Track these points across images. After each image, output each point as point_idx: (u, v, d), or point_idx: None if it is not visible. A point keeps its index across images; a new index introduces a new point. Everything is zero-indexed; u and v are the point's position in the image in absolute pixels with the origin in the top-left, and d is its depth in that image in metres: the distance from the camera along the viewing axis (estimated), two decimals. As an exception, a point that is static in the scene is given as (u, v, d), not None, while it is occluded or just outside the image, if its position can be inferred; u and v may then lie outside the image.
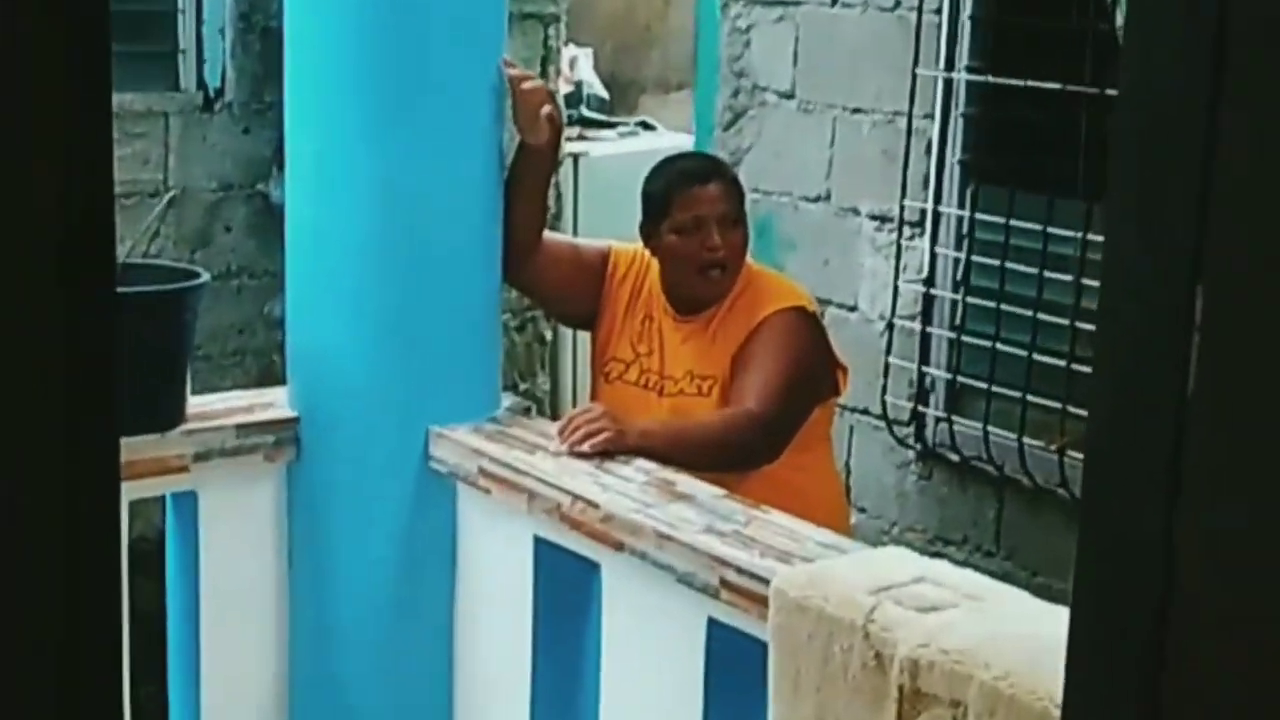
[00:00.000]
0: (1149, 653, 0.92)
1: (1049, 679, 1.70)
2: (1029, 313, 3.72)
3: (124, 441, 0.86)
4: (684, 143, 4.80)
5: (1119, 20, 3.40)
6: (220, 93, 4.35)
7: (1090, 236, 3.55)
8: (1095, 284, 4.03)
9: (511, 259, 2.86)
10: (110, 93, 0.75)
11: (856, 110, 4.18)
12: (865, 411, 4.23)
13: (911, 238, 4.08)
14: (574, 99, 6.00)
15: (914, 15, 3.93)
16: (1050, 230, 3.67)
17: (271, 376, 4.06)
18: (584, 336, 3.33)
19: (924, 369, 4.05)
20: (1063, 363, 3.62)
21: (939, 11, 3.90)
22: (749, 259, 3.06)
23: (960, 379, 3.95)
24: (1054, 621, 1.82)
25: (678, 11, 7.14)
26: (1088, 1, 3.49)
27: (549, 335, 5.06)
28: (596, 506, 2.44)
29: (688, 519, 2.36)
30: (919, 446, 4.11)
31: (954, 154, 3.97)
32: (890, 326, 4.10)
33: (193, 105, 4.33)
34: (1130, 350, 0.94)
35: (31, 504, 0.75)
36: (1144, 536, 0.93)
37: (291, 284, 2.82)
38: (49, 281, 0.74)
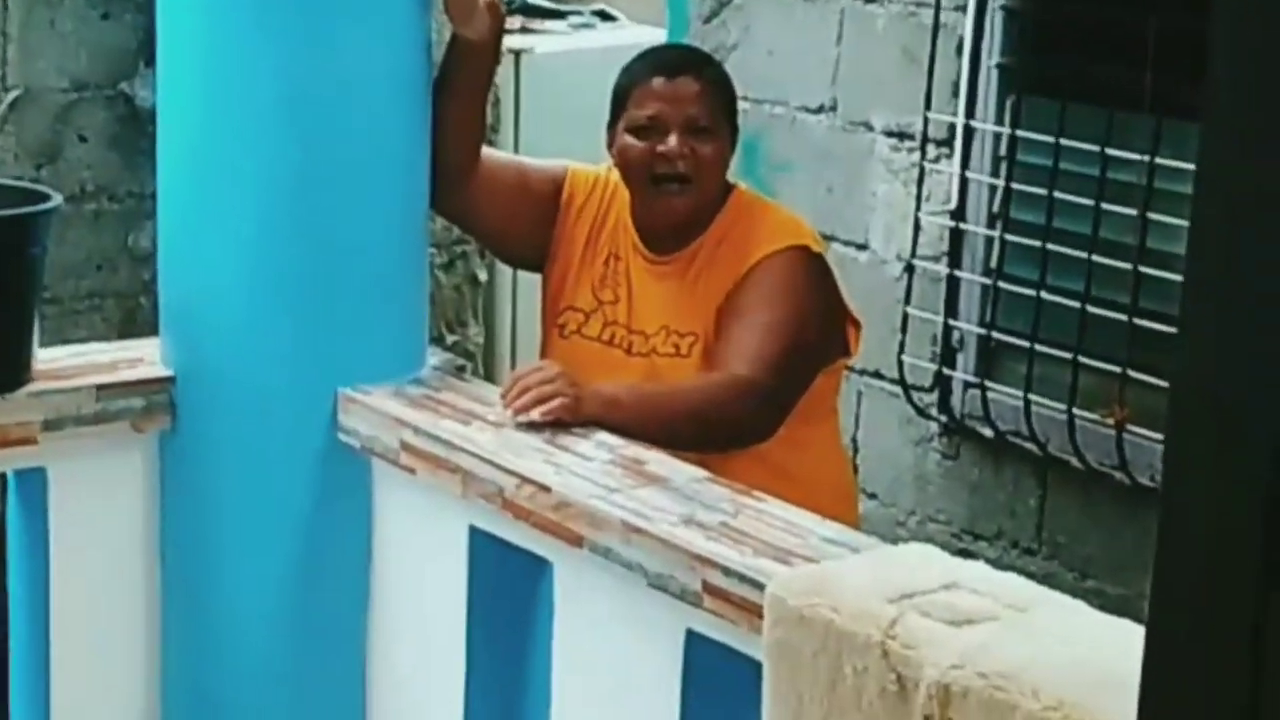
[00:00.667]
0: (1249, 679, 0.93)
1: (1112, 711, 1.71)
2: (1082, 254, 3.73)
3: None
4: (652, 38, 4.79)
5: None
6: (72, -33, 4.30)
7: (1159, 160, 3.56)
8: (1164, 219, 4.07)
9: (441, 182, 2.85)
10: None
11: (870, -1, 4.18)
12: (878, 375, 4.25)
13: (936, 159, 4.08)
14: (515, -19, 5.97)
15: (944, -119, 3.92)
16: (1109, 152, 3.68)
17: (139, 325, 4.03)
18: (529, 278, 3.33)
19: (951, 322, 4.06)
20: (1123, 316, 3.64)
21: (975, -123, 3.90)
22: (742, 185, 3.06)
23: (995, 335, 3.96)
24: (1117, 638, 1.84)
25: None
26: None
27: (483, 276, 5.05)
28: (548, 491, 2.44)
29: (662, 508, 2.36)
30: (944, 418, 4.13)
31: (991, 56, 3.97)
32: (909, 270, 4.10)
33: (37, -18, 4.28)
34: (1226, 302, 0.94)
35: None
36: (1243, 533, 0.94)
37: (164, 209, 2.80)
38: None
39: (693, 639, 2.27)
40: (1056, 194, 3.79)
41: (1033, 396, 3.83)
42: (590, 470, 2.49)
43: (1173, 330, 0.98)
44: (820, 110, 4.33)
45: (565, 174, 3.08)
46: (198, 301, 2.76)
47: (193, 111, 2.72)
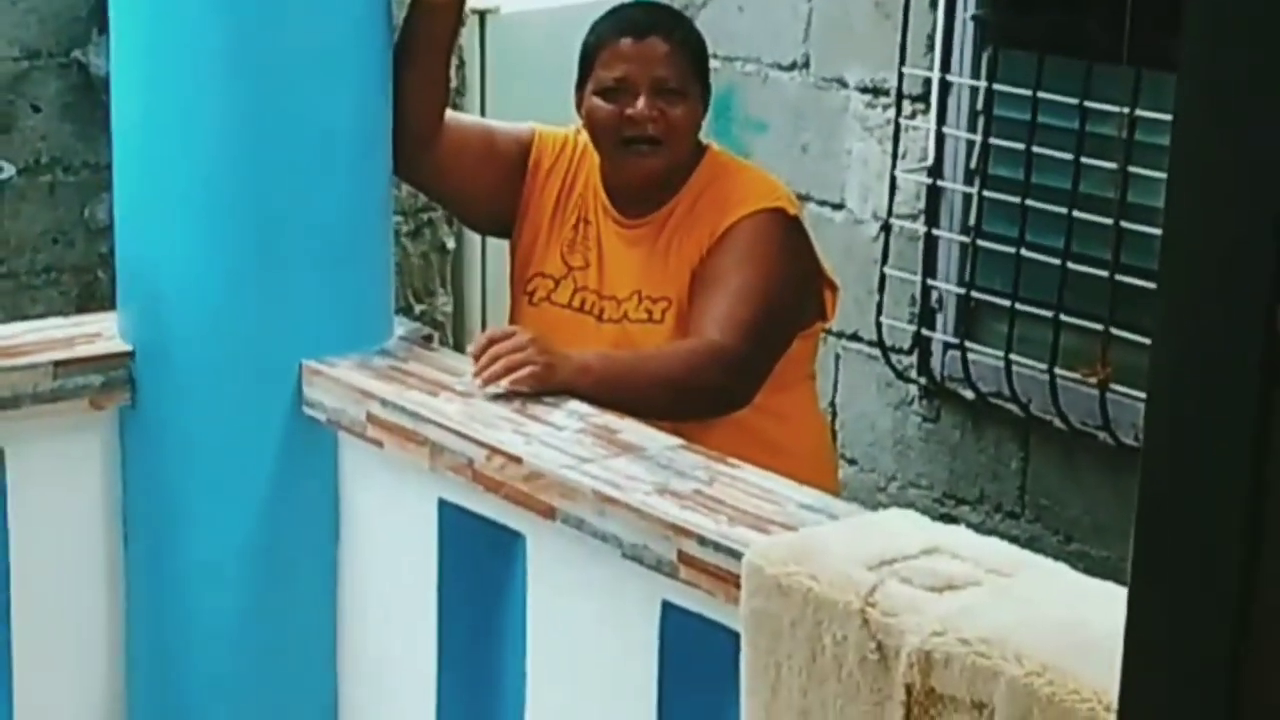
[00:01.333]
0: (1231, 641, 0.93)
1: (1096, 675, 1.72)
2: (1062, 209, 3.74)
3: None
4: (622, -6, 4.77)
5: None
6: (21, -69, 4.27)
7: (1140, 112, 3.57)
8: (1145, 172, 4.09)
9: (404, 147, 2.84)
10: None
11: (842, -48, 4.17)
12: (855, 337, 4.25)
13: (912, 115, 4.08)
14: (479, -63, 5.94)
15: None
16: (1088, 104, 3.68)
17: (97, 300, 4.02)
18: (498, 245, 3.32)
19: (929, 282, 4.07)
20: (1104, 273, 3.65)
21: None
22: (715, 145, 3.05)
23: (975, 295, 3.97)
24: (1102, 602, 1.85)
25: None
26: None
27: (451, 243, 5.04)
28: (519, 462, 2.44)
29: (636, 477, 2.36)
30: (923, 380, 4.14)
31: (966, 8, 3.97)
32: (886, 229, 4.11)
33: (-15, -53, 4.25)
34: (1206, 264, 0.94)
35: None
36: (1226, 493, 0.93)
37: (119, 179, 2.79)
38: None
39: (669, 610, 2.28)
40: (1035, 149, 3.80)
41: (1014, 357, 3.84)
42: (562, 440, 2.49)
43: (1155, 286, 0.98)
44: (793, 67, 4.32)
45: (532, 136, 3.07)
46: (155, 274, 2.75)
47: (145, 78, 2.71)
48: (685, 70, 2.94)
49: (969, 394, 4.02)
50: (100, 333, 2.83)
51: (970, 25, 3.96)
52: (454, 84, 4.79)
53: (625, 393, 2.66)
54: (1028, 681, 1.77)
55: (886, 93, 4.12)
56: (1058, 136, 3.76)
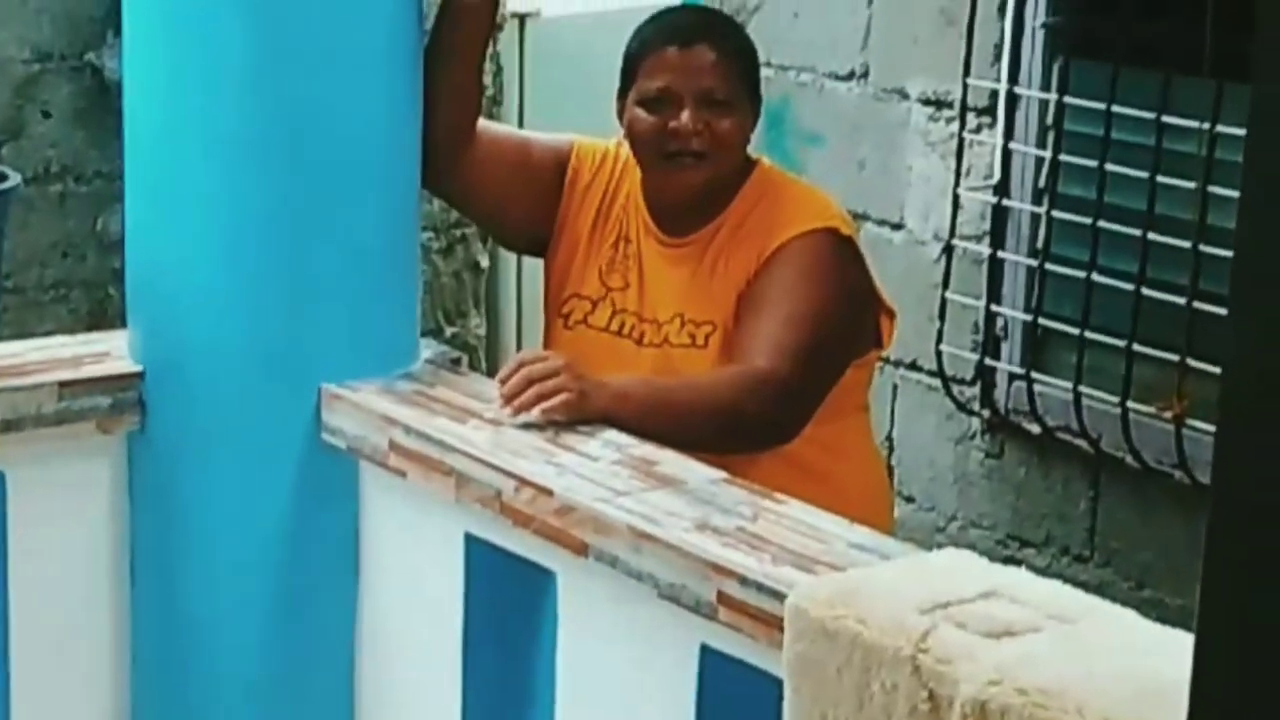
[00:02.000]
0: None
1: (1164, 729, 1.70)
2: (1136, 231, 3.73)
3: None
4: (668, -1, 4.78)
5: None
6: (34, -72, 4.31)
7: (1221, 128, 3.55)
8: (1226, 192, 4.08)
9: (434, 158, 2.84)
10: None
11: (904, -44, 4.17)
12: (914, 366, 4.24)
13: (977, 130, 4.08)
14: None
15: None
16: (1166, 119, 3.67)
17: (108, 317, 4.04)
18: (535, 264, 3.33)
19: (993, 308, 4.06)
20: (1181, 300, 3.63)
21: None
22: (765, 160, 3.05)
23: (1042, 322, 3.96)
24: (1172, 651, 1.83)
25: None
26: None
27: (485, 262, 5.06)
28: (550, 494, 2.44)
29: (674, 512, 2.36)
30: (986, 413, 4.13)
31: (1036, 16, 3.96)
32: (948, 251, 4.10)
33: (-3, -55, 4.29)
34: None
35: None
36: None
37: (131, 190, 2.80)
38: None
39: (707, 654, 2.27)
40: (1108, 166, 3.79)
41: (1083, 389, 3.83)
42: (596, 471, 2.49)
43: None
44: (851, 77, 4.32)
45: (571, 148, 3.07)
46: (168, 290, 2.76)
47: (160, 83, 2.72)
48: (734, 81, 2.94)
49: (1035, 428, 4.00)
50: (109, 352, 2.84)
51: (1040, 34, 3.96)
52: (490, 91, 4.82)
53: (666, 422, 2.66)
54: (1090, 736, 1.76)
55: (950, 105, 4.12)
56: (1133, 153, 3.75)
